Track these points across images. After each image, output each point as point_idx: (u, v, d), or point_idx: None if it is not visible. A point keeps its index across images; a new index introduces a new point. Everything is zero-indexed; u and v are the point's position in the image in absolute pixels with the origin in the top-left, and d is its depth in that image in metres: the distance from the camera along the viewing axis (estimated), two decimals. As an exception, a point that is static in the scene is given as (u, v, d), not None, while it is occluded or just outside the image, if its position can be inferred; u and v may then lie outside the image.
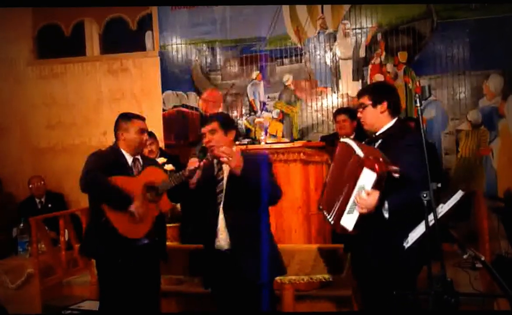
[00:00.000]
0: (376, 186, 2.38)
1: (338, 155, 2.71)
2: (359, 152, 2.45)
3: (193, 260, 3.04)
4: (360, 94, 2.80)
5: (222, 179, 2.78)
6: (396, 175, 2.39)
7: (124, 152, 3.09)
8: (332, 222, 2.59)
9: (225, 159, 2.61)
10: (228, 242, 2.74)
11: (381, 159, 2.39)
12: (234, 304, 2.81)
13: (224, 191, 2.76)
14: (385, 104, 2.67)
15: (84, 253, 3.53)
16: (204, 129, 2.80)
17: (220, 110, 5.90)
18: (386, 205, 2.41)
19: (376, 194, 2.39)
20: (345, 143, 2.65)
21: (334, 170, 2.72)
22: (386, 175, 2.38)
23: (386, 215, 2.42)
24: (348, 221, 2.48)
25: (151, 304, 3.12)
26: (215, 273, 2.82)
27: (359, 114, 2.76)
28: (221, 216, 2.75)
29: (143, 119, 3.18)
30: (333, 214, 2.56)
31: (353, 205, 2.45)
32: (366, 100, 2.71)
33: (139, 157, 3.16)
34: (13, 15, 6.26)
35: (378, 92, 2.72)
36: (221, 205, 2.75)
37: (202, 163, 2.73)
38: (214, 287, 2.91)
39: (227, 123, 2.82)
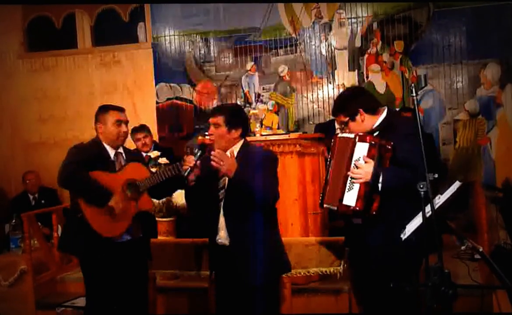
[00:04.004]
0: (369, 155, 2.51)
1: (337, 149, 2.70)
2: (351, 135, 2.61)
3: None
4: (335, 114, 2.79)
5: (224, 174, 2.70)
6: (389, 146, 2.53)
7: (105, 145, 3.00)
8: (336, 208, 2.63)
9: (215, 164, 2.53)
10: (227, 240, 2.68)
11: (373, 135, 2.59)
12: (230, 301, 2.75)
13: (225, 188, 2.69)
14: (360, 111, 2.65)
15: (62, 250, 3.46)
16: (210, 120, 2.72)
17: (215, 102, 5.87)
18: (381, 177, 2.49)
19: (371, 163, 2.50)
20: (342, 137, 2.70)
21: (335, 164, 2.71)
22: (378, 145, 2.52)
23: (379, 186, 2.50)
24: (350, 197, 2.55)
25: (138, 301, 3.05)
26: (217, 266, 2.79)
27: (347, 130, 2.74)
28: (221, 213, 2.69)
29: (121, 110, 3.07)
30: (335, 199, 2.61)
31: (351, 181, 2.55)
32: (343, 118, 2.71)
33: (122, 151, 3.07)
34: (2, 7, 6.14)
35: (349, 105, 2.68)
36: (222, 202, 2.69)
37: (198, 162, 2.65)
38: (215, 280, 2.85)
39: (233, 120, 2.70)
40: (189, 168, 2.64)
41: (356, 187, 2.53)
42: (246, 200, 2.59)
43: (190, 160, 2.65)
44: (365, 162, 2.51)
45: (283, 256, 2.82)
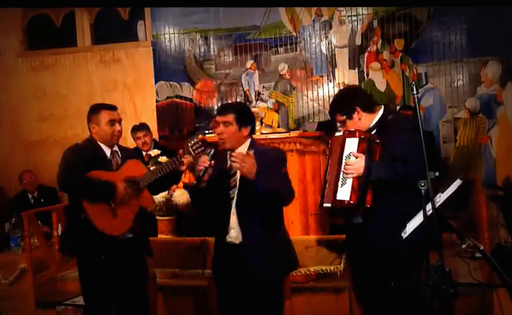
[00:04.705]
0: (360, 149, 2.55)
1: (333, 149, 2.74)
2: (341, 133, 2.66)
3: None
4: (332, 114, 2.80)
5: (236, 172, 2.66)
6: (377, 140, 2.57)
7: (101, 144, 2.98)
8: (330, 205, 2.65)
9: (237, 165, 2.50)
10: (239, 238, 2.66)
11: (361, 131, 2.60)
12: (237, 299, 2.74)
13: (237, 187, 2.66)
14: (357, 110, 2.66)
15: (64, 251, 3.43)
16: (219, 119, 2.68)
17: (215, 100, 5.86)
18: (371, 169, 2.52)
19: (362, 157, 2.53)
20: (336, 136, 2.73)
21: (331, 164, 2.73)
22: (368, 140, 2.55)
23: (370, 178, 2.53)
24: (343, 192, 2.58)
25: (139, 299, 3.04)
26: (224, 266, 2.75)
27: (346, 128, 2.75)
28: (233, 211, 2.66)
29: (113, 108, 3.03)
30: (329, 196, 2.64)
31: (344, 177, 2.58)
32: (339, 117, 2.72)
33: (117, 149, 3.04)
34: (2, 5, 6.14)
35: (346, 104, 2.70)
36: (234, 201, 2.65)
37: (212, 162, 2.61)
38: (220, 279, 2.83)
39: (243, 118, 2.67)
40: (204, 169, 2.59)
41: (349, 181, 2.56)
42: (266, 200, 2.55)
43: (205, 160, 2.60)
44: (356, 157, 2.54)
45: (292, 252, 2.81)
